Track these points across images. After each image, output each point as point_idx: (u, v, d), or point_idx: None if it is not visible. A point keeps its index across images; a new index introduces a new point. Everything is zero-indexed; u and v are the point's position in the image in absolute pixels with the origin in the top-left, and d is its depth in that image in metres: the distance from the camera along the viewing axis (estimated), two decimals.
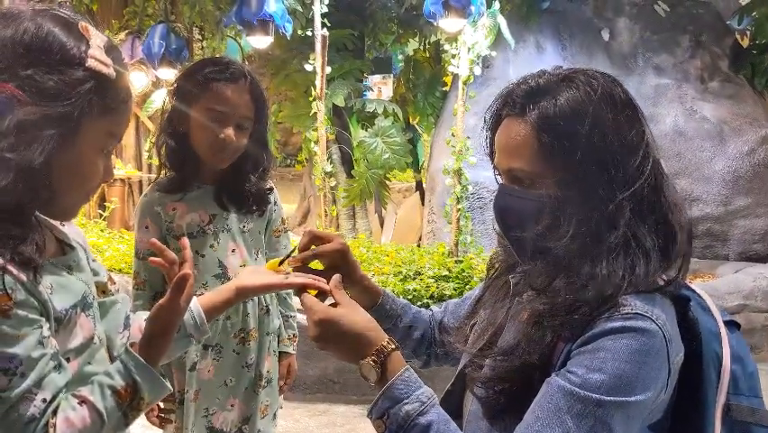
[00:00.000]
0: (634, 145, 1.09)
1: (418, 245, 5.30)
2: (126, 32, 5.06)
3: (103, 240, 5.23)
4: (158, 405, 1.96)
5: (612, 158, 1.08)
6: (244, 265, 1.95)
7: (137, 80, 4.77)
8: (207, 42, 5.11)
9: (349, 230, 5.77)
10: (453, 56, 4.42)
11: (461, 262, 4.34)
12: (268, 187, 2.02)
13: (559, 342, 1.08)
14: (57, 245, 1.12)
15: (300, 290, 1.25)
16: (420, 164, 6.79)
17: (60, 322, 1.02)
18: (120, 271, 4.51)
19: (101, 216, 6.13)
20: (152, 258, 1.14)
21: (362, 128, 5.73)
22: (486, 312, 1.32)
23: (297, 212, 6.94)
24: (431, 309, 1.55)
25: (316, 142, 4.66)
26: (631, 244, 1.07)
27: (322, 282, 1.27)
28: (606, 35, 5.58)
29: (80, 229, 1.23)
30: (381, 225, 6.43)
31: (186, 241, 1.16)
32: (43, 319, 0.98)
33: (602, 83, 1.11)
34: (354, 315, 1.16)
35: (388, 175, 6.15)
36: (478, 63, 4.39)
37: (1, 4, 5.34)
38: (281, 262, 1.33)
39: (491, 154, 1.22)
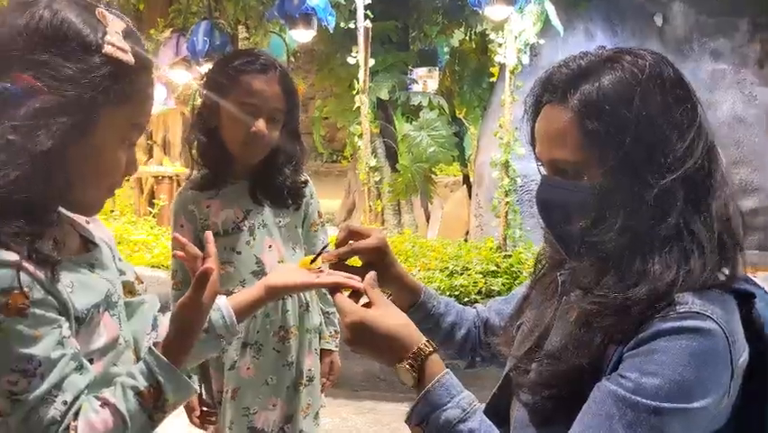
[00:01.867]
0: (684, 127, 1.00)
1: (465, 240, 5.20)
2: (171, 29, 5.09)
3: (152, 237, 5.29)
4: (199, 406, 1.94)
5: (662, 143, 0.99)
6: (282, 261, 1.90)
7: (181, 77, 4.79)
8: (251, 38, 5.11)
9: (394, 225, 5.70)
10: (500, 45, 4.31)
11: (510, 256, 4.23)
12: (303, 180, 1.97)
13: (610, 344, 0.99)
14: (80, 243, 1.08)
15: (333, 289, 1.18)
16: (467, 157, 6.68)
17: (82, 322, 0.98)
18: (168, 267, 4.55)
19: (150, 213, 6.22)
20: (176, 252, 1.09)
21: (407, 121, 5.66)
22: (532, 312, 1.24)
23: (341, 208, 6.91)
24: (476, 307, 1.47)
25: (360, 137, 4.61)
26: (684, 235, 0.98)
27: (356, 281, 1.20)
28: (659, 20, 5.37)
29: (106, 227, 1.19)
30: (427, 219, 6.35)
31: (210, 235, 1.11)
32: (63, 319, 0.95)
33: (650, 62, 1.02)
34: (389, 316, 1.09)
35: (434, 169, 6.07)
36: (525, 52, 4.27)
37: None
38: (314, 260, 1.27)
39: (533, 144, 1.14)
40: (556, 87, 1.06)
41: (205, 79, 1.95)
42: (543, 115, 1.09)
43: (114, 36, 0.96)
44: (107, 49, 0.95)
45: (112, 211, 6.35)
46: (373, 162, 4.65)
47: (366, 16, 4.48)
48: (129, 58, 0.97)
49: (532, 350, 1.15)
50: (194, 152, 1.90)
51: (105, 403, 0.96)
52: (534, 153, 1.13)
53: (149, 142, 6.65)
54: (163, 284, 2.89)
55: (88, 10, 0.97)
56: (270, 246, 1.89)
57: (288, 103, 1.88)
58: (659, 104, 1.00)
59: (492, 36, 4.41)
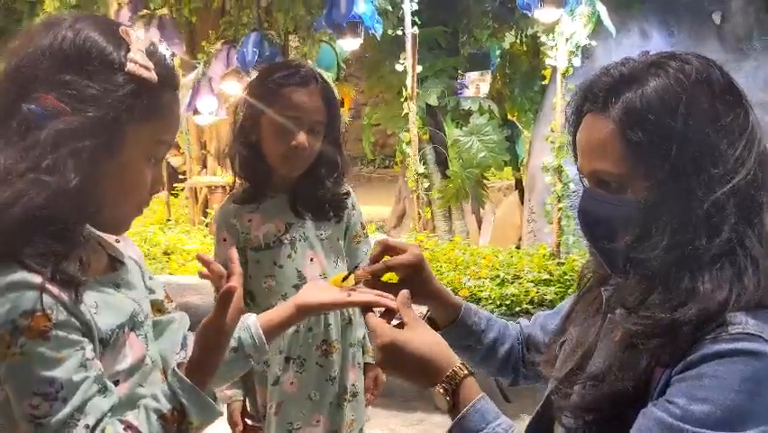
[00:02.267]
0: (735, 135, 0.93)
1: (518, 247, 5.11)
2: (222, 41, 5.16)
3: (205, 246, 5.37)
4: (245, 422, 1.93)
5: (711, 153, 0.92)
6: (324, 274, 1.88)
7: (232, 88, 4.86)
8: (300, 47, 5.14)
9: (445, 232, 5.65)
10: (551, 48, 4.23)
11: (563, 264, 4.13)
12: (344, 191, 1.95)
13: (657, 367, 0.94)
14: (107, 262, 1.08)
15: (366, 308, 1.15)
16: (520, 161, 6.57)
17: (107, 343, 0.97)
18: None
19: (204, 222, 6.31)
20: (201, 271, 1.07)
21: (457, 127, 5.60)
22: (576, 329, 1.19)
23: (392, 214, 6.89)
24: (519, 323, 1.42)
25: (408, 144, 4.58)
26: (737, 251, 0.92)
27: (389, 299, 1.17)
28: (717, 18, 5.16)
29: (136, 246, 1.19)
30: (479, 225, 6.26)
31: (233, 253, 1.09)
32: (86, 340, 0.94)
33: (696, 66, 0.96)
34: (422, 338, 1.06)
35: (485, 174, 5.99)
36: (577, 54, 4.18)
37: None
38: (345, 278, 1.24)
39: (575, 156, 1.09)
40: (597, 95, 1.01)
41: (245, 92, 1.94)
42: (584, 124, 1.04)
43: (138, 54, 0.96)
44: (130, 67, 0.95)
45: (168, 220, 6.48)
46: (422, 169, 4.62)
47: (413, 23, 4.45)
48: (152, 75, 0.97)
49: (574, 371, 1.10)
50: (235, 165, 1.90)
51: (129, 426, 0.94)
52: (577, 165, 1.08)
53: (203, 152, 6.77)
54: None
55: (112, 29, 0.97)
56: (312, 259, 1.88)
57: (329, 115, 1.86)
58: (707, 111, 0.94)
59: (543, 39, 4.33)
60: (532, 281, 3.86)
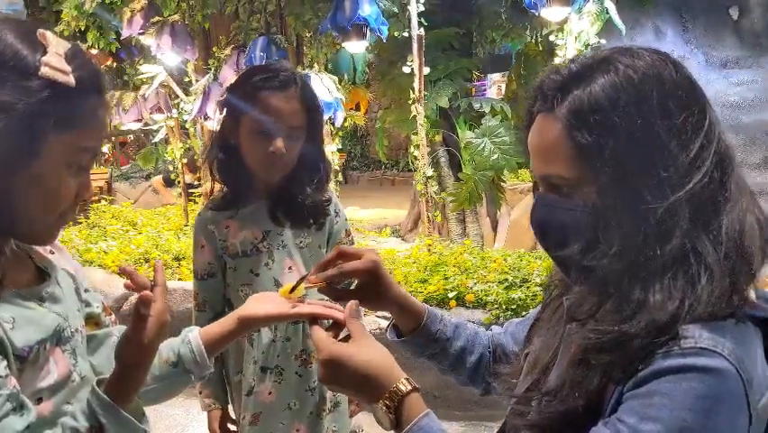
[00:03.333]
0: (688, 135, 0.87)
1: (533, 250, 5.03)
2: (232, 46, 5.17)
3: None
4: (225, 429, 1.91)
5: (661, 154, 0.87)
6: None
7: None
8: (307, 51, 5.13)
9: (458, 235, 5.58)
10: (560, 47, 4.15)
11: None
12: (326, 198, 1.91)
13: (609, 382, 0.88)
14: (35, 275, 1.05)
15: (313, 320, 1.11)
16: None
17: (24, 360, 0.94)
18: None
19: None
20: (126, 283, 1.03)
21: (470, 129, 5.53)
22: (539, 340, 1.14)
23: (407, 218, 6.85)
24: (491, 330, 1.37)
25: (418, 147, 4.53)
26: (690, 258, 0.86)
27: (336, 311, 1.13)
28: (734, 13, 5.04)
29: (72, 258, 1.16)
30: (495, 228, 6.19)
31: (159, 264, 1.05)
32: None
33: (648, 62, 0.90)
34: (366, 352, 1.01)
35: (501, 176, 5.91)
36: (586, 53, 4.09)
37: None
38: (293, 289, 1.20)
39: (528, 158, 1.04)
40: (546, 94, 0.96)
41: (224, 95, 1.91)
42: (534, 125, 0.99)
43: (53, 57, 0.91)
44: (44, 70, 0.90)
45: (185, 226, 6.50)
46: (430, 172, 4.56)
47: (420, 24, 4.41)
48: (69, 79, 0.92)
49: (533, 386, 1.05)
50: (214, 170, 1.87)
51: None
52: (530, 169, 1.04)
53: None
54: None
55: (28, 32, 0.93)
56: (291, 268, 1.84)
57: (309, 120, 1.82)
58: (657, 110, 0.88)
59: (551, 38, 4.26)
60: (540, 285, 3.78)
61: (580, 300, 0.96)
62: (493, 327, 1.39)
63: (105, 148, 12.42)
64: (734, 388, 0.82)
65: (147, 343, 0.97)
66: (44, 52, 0.92)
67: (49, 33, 0.94)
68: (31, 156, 0.92)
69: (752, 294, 0.93)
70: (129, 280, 1.02)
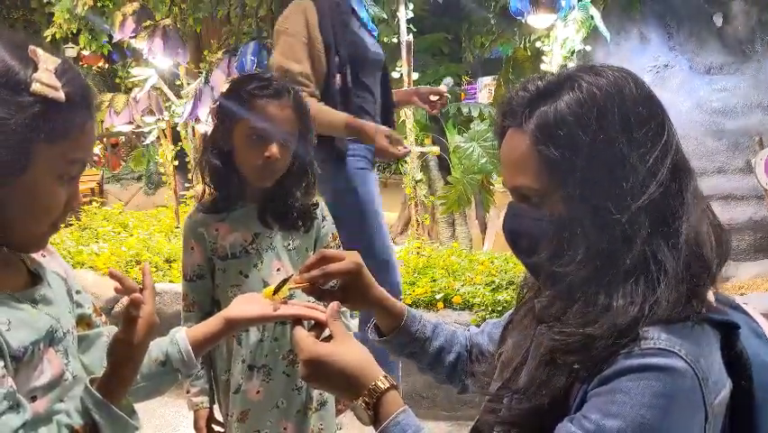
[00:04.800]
0: (647, 147, 0.93)
1: None
2: (223, 50, 5.22)
3: None
4: (211, 429, 1.95)
5: (622, 167, 0.93)
6: None
7: None
8: None
9: (448, 238, 5.64)
10: (546, 53, 4.22)
11: None
12: (314, 202, 1.96)
13: (575, 381, 0.94)
14: (27, 278, 1.09)
15: (296, 320, 1.17)
16: None
17: (20, 360, 0.98)
18: None
19: None
20: (115, 287, 1.08)
21: (459, 133, 5.59)
22: (512, 341, 1.19)
23: (398, 220, 6.89)
24: (469, 330, 1.42)
25: None
26: (650, 265, 0.92)
27: (318, 312, 1.18)
28: (719, 20, 5.12)
29: (63, 261, 1.20)
30: (484, 231, 6.24)
31: (146, 267, 1.10)
32: None
33: (610, 79, 0.96)
34: (346, 351, 1.07)
35: (490, 179, 5.96)
36: (572, 59, 4.16)
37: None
38: (276, 291, 1.25)
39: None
40: (515, 110, 1.02)
41: (217, 102, 1.96)
42: (505, 140, 1.05)
43: (44, 74, 0.95)
44: (35, 87, 0.94)
45: (177, 228, 6.52)
46: (419, 176, 4.62)
47: (409, 30, 4.46)
48: (59, 95, 0.96)
49: (505, 385, 1.11)
50: (205, 174, 1.92)
51: None
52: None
53: None
54: None
55: (20, 48, 0.97)
56: (279, 269, 1.89)
57: (302, 126, 1.88)
58: (618, 124, 0.94)
59: (538, 44, 4.32)
60: None
61: (549, 304, 1.02)
62: (470, 327, 1.45)
63: (97, 150, 12.41)
64: (690, 386, 0.87)
65: (137, 343, 1.02)
66: (35, 68, 0.96)
67: (39, 50, 0.97)
68: (22, 169, 0.96)
69: (711, 297, 0.99)
70: (118, 284, 1.06)
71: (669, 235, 0.94)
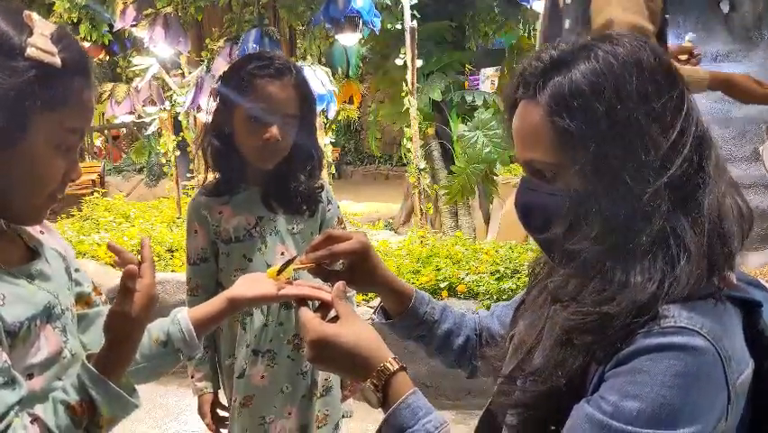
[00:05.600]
0: (667, 120, 0.89)
1: (525, 242, 5.05)
2: (225, 39, 5.17)
3: None
4: (216, 413, 1.93)
5: (641, 139, 0.89)
6: None
7: None
8: (300, 43, 5.13)
9: (451, 228, 5.61)
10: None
11: None
12: (318, 185, 1.92)
13: (592, 362, 0.90)
14: (24, 252, 1.06)
15: (301, 301, 1.13)
16: None
17: (15, 335, 0.95)
18: None
19: None
20: (115, 260, 1.04)
21: (462, 122, 5.55)
22: (524, 323, 1.16)
23: (401, 211, 6.87)
24: (478, 313, 1.39)
25: (410, 139, 4.55)
26: (669, 240, 0.88)
27: (323, 292, 1.14)
28: (725, 7, 5.05)
29: (61, 238, 1.17)
30: (487, 221, 6.21)
31: (146, 240, 1.06)
32: None
33: (627, 48, 0.92)
34: (353, 331, 1.03)
35: (494, 169, 5.93)
36: None
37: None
38: (280, 270, 1.22)
39: (512, 144, 1.06)
40: (528, 81, 0.98)
41: (218, 82, 1.92)
42: (517, 112, 1.01)
43: (39, 38, 0.92)
44: (30, 51, 0.91)
45: (178, 218, 6.50)
46: (423, 165, 4.58)
47: (413, 17, 4.42)
48: (55, 60, 0.93)
49: (517, 368, 1.07)
50: (207, 156, 1.88)
51: (35, 419, 0.92)
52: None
53: None
54: None
55: (15, 14, 0.94)
56: (283, 253, 1.86)
57: (304, 108, 1.84)
58: (636, 95, 0.90)
59: None
60: None
61: (564, 282, 0.98)
62: (479, 310, 1.41)
63: (98, 142, 12.39)
64: (712, 365, 0.84)
65: (135, 317, 0.98)
66: (30, 33, 0.93)
67: (35, 15, 0.95)
68: (18, 136, 0.93)
69: (732, 276, 0.95)
70: (118, 258, 1.03)
71: (689, 210, 0.90)
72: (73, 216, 6.30)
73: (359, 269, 1.24)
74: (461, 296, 3.70)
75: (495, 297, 3.59)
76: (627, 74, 0.90)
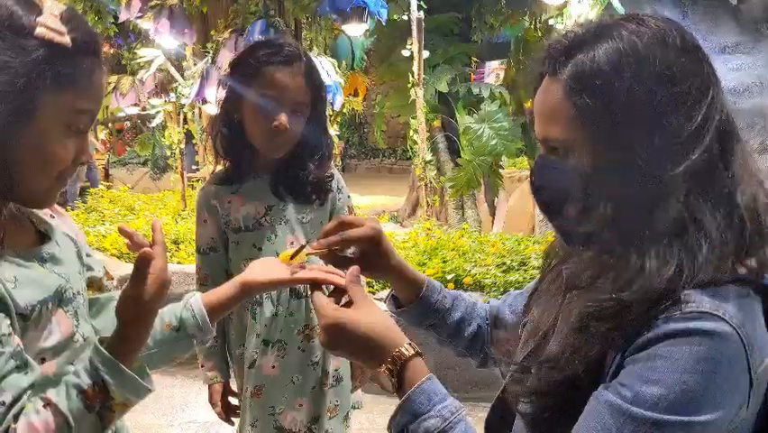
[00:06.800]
0: (690, 104, 0.87)
1: (532, 234, 5.04)
2: (230, 30, 5.15)
3: None
4: (227, 402, 1.92)
5: (661, 122, 0.87)
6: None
7: None
8: (306, 34, 5.11)
9: (457, 220, 5.59)
10: (558, 32, 4.15)
11: None
12: (328, 174, 1.91)
13: (610, 349, 0.89)
14: (35, 236, 1.04)
15: (314, 285, 1.12)
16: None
17: (27, 318, 0.94)
18: None
19: None
20: (127, 243, 1.03)
21: (469, 114, 5.52)
22: (538, 310, 1.14)
23: (405, 203, 6.85)
24: (489, 302, 1.38)
25: (416, 131, 4.52)
26: (688, 227, 0.86)
27: (337, 276, 1.13)
28: None
29: (72, 222, 1.16)
30: (493, 214, 6.19)
31: (157, 223, 1.04)
32: (1, 315, 0.90)
33: (653, 29, 0.90)
34: (368, 317, 1.01)
35: (499, 162, 5.91)
36: None
37: None
38: (293, 255, 1.20)
39: (532, 122, 1.04)
40: (553, 58, 0.96)
41: (228, 70, 1.90)
42: (540, 88, 0.99)
43: (50, 18, 0.91)
44: (40, 30, 0.90)
45: (183, 210, 6.50)
46: (429, 156, 4.56)
47: (420, 7, 4.39)
48: (65, 40, 0.92)
49: (531, 355, 1.06)
50: (217, 145, 1.87)
51: (48, 403, 0.91)
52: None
53: None
54: None
55: None
56: (292, 243, 1.84)
57: (314, 96, 1.81)
58: (659, 77, 0.88)
59: (551, 22, 4.25)
60: (537, 268, 3.80)
61: (579, 268, 0.96)
62: (491, 299, 1.40)
63: (102, 135, 12.39)
64: (735, 351, 0.82)
65: (147, 300, 0.96)
66: (40, 13, 0.91)
67: None
68: (28, 116, 0.92)
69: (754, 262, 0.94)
70: (130, 242, 1.01)
71: (710, 195, 0.88)
72: (78, 208, 6.31)
73: (371, 255, 1.22)
74: (468, 288, 3.69)
75: (502, 289, 3.58)
76: (651, 55, 0.88)
